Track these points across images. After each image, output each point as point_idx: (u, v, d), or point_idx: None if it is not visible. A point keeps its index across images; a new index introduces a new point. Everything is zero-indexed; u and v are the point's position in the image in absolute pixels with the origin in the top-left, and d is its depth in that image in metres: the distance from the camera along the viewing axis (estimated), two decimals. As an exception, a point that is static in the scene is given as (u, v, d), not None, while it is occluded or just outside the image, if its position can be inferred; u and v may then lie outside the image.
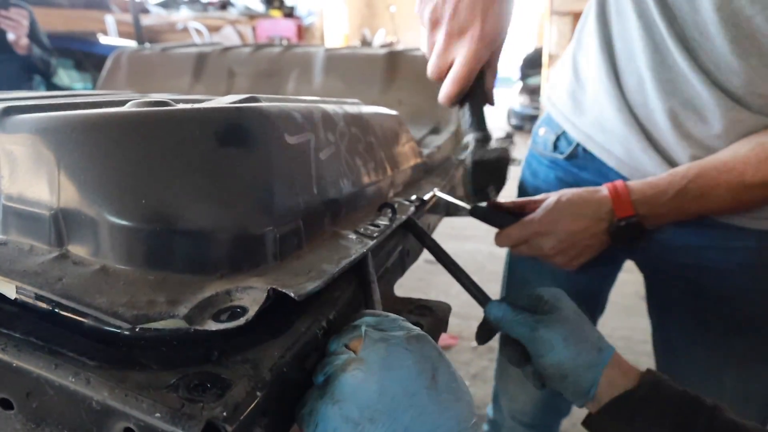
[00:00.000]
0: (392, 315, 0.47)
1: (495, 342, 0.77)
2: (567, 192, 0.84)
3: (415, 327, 0.45)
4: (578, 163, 1.00)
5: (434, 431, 0.39)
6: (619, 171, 0.95)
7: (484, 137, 0.78)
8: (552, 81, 1.10)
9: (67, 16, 4.58)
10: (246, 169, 0.40)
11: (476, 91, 0.75)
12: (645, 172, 0.90)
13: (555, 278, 1.06)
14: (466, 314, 1.92)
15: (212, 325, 0.34)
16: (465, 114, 0.77)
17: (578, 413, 0.66)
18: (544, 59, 7.11)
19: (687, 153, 0.84)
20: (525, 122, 8.28)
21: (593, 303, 1.19)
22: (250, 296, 0.36)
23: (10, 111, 0.39)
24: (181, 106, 0.40)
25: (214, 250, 0.38)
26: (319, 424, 0.39)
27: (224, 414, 0.33)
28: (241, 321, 0.34)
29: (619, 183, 0.82)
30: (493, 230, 0.88)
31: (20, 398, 0.36)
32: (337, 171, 0.51)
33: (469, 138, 0.78)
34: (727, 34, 0.72)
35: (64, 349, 0.36)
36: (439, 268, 0.72)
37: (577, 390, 0.62)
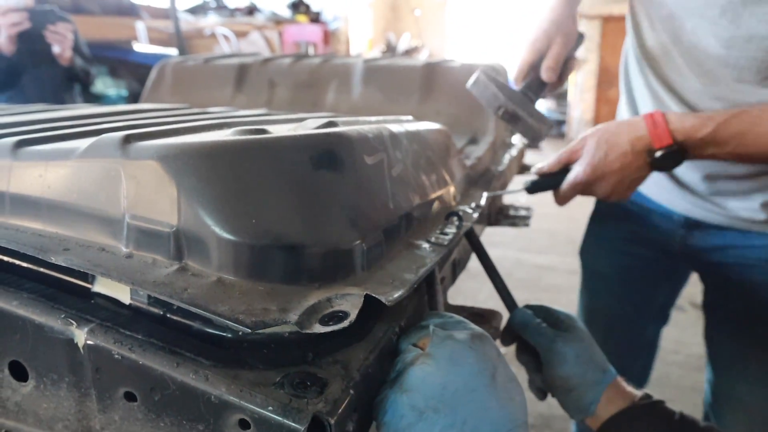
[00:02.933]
0: (456, 316, 0.52)
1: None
2: (600, 129, 0.88)
3: (477, 328, 0.50)
4: None
5: (489, 426, 0.43)
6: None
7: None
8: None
9: (99, 23, 4.72)
10: (336, 189, 0.44)
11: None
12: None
13: (627, 295, 1.23)
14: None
15: (320, 328, 0.38)
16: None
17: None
18: (571, 63, 7.09)
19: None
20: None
21: (661, 315, 1.31)
22: (349, 302, 0.40)
23: (130, 138, 0.44)
24: (276, 133, 0.45)
25: (313, 263, 0.43)
26: (388, 411, 0.43)
27: (326, 409, 0.37)
28: (346, 323, 0.38)
29: (656, 113, 0.84)
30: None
31: (144, 392, 0.41)
32: (406, 185, 0.56)
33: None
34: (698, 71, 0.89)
35: (182, 349, 0.41)
36: (468, 275, 0.77)
37: (579, 405, 0.67)
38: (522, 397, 0.48)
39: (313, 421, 0.37)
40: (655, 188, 1.09)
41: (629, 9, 1.07)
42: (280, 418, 0.36)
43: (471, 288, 3.13)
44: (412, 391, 0.43)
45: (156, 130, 0.47)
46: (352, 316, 0.39)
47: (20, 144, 0.50)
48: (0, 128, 0.68)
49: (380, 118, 0.67)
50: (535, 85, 0.94)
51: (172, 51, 4.00)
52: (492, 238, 3.52)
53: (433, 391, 0.43)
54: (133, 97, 4.24)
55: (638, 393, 0.67)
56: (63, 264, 0.43)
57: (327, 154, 0.44)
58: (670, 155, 0.81)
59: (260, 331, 0.43)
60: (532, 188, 0.93)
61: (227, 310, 0.38)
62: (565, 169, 0.90)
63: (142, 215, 0.42)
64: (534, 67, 0.93)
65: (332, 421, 0.37)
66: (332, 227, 0.43)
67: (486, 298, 3.07)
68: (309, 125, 0.50)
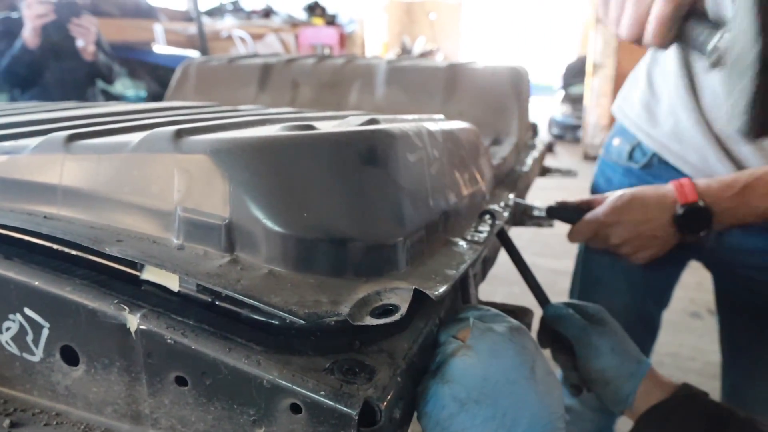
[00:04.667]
0: (493, 309, 0.52)
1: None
2: (632, 188, 0.89)
3: (515, 321, 0.50)
4: (653, 173, 1.05)
5: (529, 418, 0.44)
6: (694, 178, 1.00)
7: None
8: (623, 94, 1.17)
9: (118, 25, 4.78)
10: (382, 185, 0.46)
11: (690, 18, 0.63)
12: None
13: (626, 275, 1.16)
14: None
15: (372, 321, 0.39)
16: (694, 32, 0.63)
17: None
18: (588, 68, 7.05)
19: (760, 163, 0.88)
20: (566, 132, 8.22)
21: (659, 298, 1.27)
22: (398, 296, 0.41)
23: (182, 133, 0.45)
24: (324, 129, 0.46)
25: (360, 257, 0.44)
26: (429, 401, 0.44)
27: (376, 395, 0.38)
28: (397, 316, 0.39)
29: (684, 179, 0.85)
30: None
31: (195, 377, 0.42)
32: (443, 183, 0.57)
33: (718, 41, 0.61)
34: None
35: (233, 335, 0.42)
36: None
37: (617, 397, 0.68)
38: (559, 390, 0.48)
39: (363, 407, 0.38)
40: (705, 170, 1.00)
41: None
42: (332, 403, 0.37)
43: (487, 290, 3.12)
44: (454, 382, 0.44)
45: (205, 125, 0.49)
46: (403, 310, 0.40)
47: (72, 138, 0.52)
48: (44, 123, 0.70)
49: (415, 116, 0.68)
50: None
51: (190, 52, 4.05)
52: (507, 241, 3.51)
53: (475, 383, 0.44)
54: (152, 98, 4.27)
55: (676, 384, 0.68)
56: (118, 255, 0.45)
57: (374, 150, 0.46)
58: (694, 213, 0.80)
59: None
60: (550, 213, 0.95)
61: (281, 302, 0.39)
62: (584, 209, 0.91)
63: (194, 208, 0.44)
64: None
65: (383, 407, 0.38)
66: (378, 222, 0.45)
67: (502, 299, 3.04)
68: (352, 122, 0.52)
